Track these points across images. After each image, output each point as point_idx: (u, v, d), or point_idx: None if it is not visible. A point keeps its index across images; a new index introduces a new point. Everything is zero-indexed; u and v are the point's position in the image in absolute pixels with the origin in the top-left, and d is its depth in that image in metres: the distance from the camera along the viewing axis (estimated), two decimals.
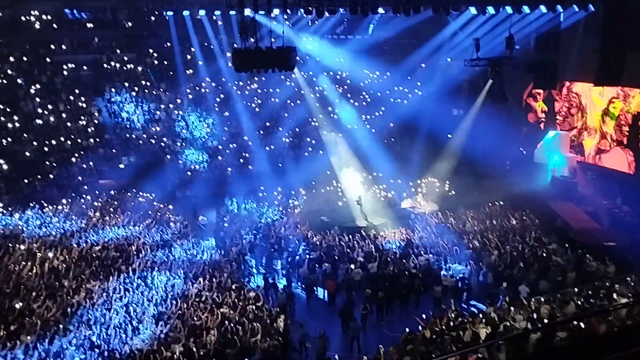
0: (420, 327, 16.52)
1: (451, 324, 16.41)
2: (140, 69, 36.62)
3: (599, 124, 29.17)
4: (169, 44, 36.70)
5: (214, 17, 32.26)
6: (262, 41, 19.86)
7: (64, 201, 27.01)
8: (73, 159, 30.33)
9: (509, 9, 23.12)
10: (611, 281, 19.31)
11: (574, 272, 20.62)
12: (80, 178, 29.70)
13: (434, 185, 30.28)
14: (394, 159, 31.77)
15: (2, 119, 30.54)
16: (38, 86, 32.92)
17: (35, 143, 30.32)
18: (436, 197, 29.53)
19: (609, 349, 5.80)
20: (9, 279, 18.98)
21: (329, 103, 36.26)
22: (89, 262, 20.69)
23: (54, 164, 29.88)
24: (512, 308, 16.88)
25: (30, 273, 19.47)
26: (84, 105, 33.56)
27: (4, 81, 32.48)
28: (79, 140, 31.64)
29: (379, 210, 28.06)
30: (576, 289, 18.74)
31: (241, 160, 33.25)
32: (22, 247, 21.53)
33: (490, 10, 23.15)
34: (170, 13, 33.16)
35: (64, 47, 36.50)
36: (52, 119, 31.90)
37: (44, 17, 35.19)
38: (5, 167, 28.70)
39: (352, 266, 21.66)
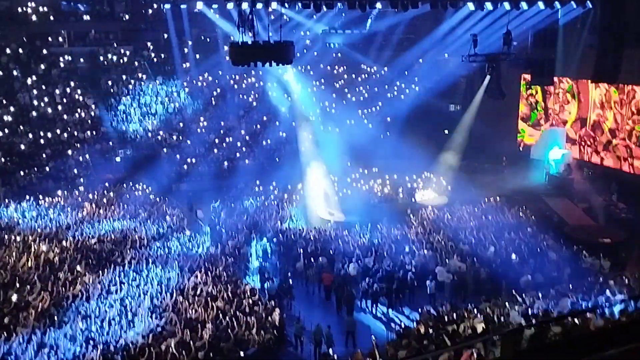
0: (415, 322, 16.55)
1: (446, 319, 16.45)
2: (137, 62, 36.49)
3: (597, 120, 29.22)
4: (166, 36, 36.59)
5: (212, 10, 32.12)
6: (260, 35, 19.75)
7: (59, 193, 26.94)
8: (69, 152, 30.24)
9: (506, 5, 23.06)
10: (606, 277, 19.39)
11: (569, 268, 20.67)
12: (76, 170, 29.62)
13: (431, 180, 30.30)
14: (391, 154, 31.73)
15: None
16: (34, 78, 32.79)
17: (31, 135, 30.21)
18: (437, 192, 29.55)
19: (603, 345, 5.79)
20: (4, 270, 18.95)
21: (319, 101, 36.23)
22: (84, 255, 20.66)
23: (50, 156, 29.79)
24: (507, 303, 16.94)
25: (25, 265, 19.43)
26: (80, 97, 33.46)
27: (0, 73, 32.35)
28: (75, 133, 31.55)
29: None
30: (571, 285, 18.84)
31: (237, 154, 33.18)
32: (18, 239, 21.48)
33: (488, 6, 23.07)
34: (167, 6, 33.03)
35: (60, 39, 36.35)
36: (48, 110, 31.81)
37: (40, 8, 35.01)
38: (1, 159, 28.60)
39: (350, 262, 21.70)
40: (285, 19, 29.33)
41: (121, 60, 36.30)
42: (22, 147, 29.63)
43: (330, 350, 16.07)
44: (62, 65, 34.58)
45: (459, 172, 30.54)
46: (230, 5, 22.67)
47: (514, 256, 21.39)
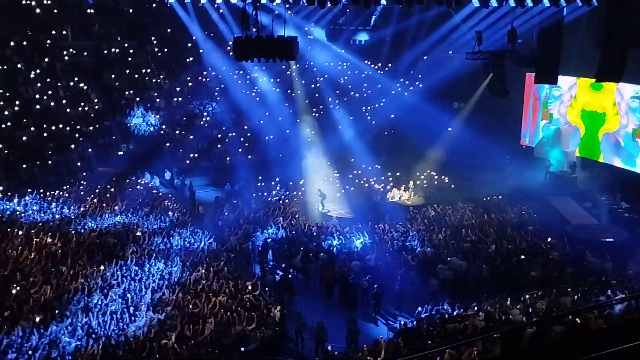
0: (416, 320, 16.56)
1: (447, 316, 16.47)
2: (141, 56, 36.45)
3: (601, 119, 29.13)
4: (169, 31, 36.52)
5: (216, 5, 32.07)
6: (264, 30, 19.75)
7: (62, 187, 26.99)
8: (72, 145, 30.28)
9: (512, 2, 22.98)
10: (608, 277, 19.39)
11: (571, 267, 20.66)
12: (78, 164, 29.66)
13: (432, 177, 30.30)
14: (394, 151, 31.74)
15: (1, 103, 30.46)
16: (38, 71, 32.78)
17: (33, 129, 30.23)
18: (434, 190, 29.53)
19: (605, 344, 5.80)
20: (7, 264, 18.99)
21: (322, 98, 36.14)
22: (86, 249, 20.71)
23: (53, 150, 29.84)
24: (508, 302, 16.95)
25: (27, 258, 19.47)
26: (84, 91, 33.46)
27: (4, 66, 32.35)
28: (78, 127, 31.57)
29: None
30: (570, 286, 18.84)
31: (240, 150, 33.17)
32: (20, 232, 21.52)
33: (494, 3, 22.99)
34: (172, 0, 32.94)
35: (64, 32, 36.30)
36: (52, 104, 31.82)
37: (44, 2, 34.95)
38: (4, 152, 28.66)
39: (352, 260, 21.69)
40: (289, 14, 29.35)
41: (125, 55, 36.25)
42: (25, 140, 29.66)
43: (330, 347, 16.10)
44: (66, 58, 34.56)
45: (459, 169, 30.47)
46: (234, 0, 22.63)
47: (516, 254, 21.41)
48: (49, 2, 35.09)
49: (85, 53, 35.69)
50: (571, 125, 30.82)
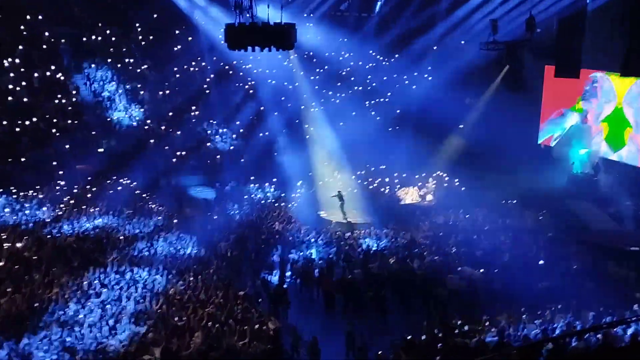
0: (423, 332, 16.55)
1: (456, 330, 16.45)
2: (124, 44, 36.40)
3: (628, 117, 29.12)
4: (155, 16, 36.46)
5: None
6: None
7: (37, 186, 26.97)
8: (48, 141, 30.21)
9: None
10: (633, 289, 19.39)
11: (592, 278, 20.63)
12: (55, 162, 29.60)
13: (442, 179, 30.32)
14: (399, 150, 31.73)
15: None
16: (11, 60, 32.69)
17: (5, 122, 30.16)
18: (444, 192, 29.56)
19: None
20: None
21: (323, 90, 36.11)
22: (62, 254, 20.69)
23: (28, 146, 29.76)
24: (523, 316, 16.95)
25: None
26: (61, 83, 33.39)
27: None
28: (55, 121, 31.51)
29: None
30: (594, 297, 18.81)
31: (232, 148, 33.14)
32: None
33: None
34: None
35: (40, 17, 36.21)
36: (26, 96, 31.73)
37: None
38: None
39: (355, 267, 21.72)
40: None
41: (107, 43, 36.18)
42: None
43: None
44: (44, 47, 34.47)
45: (471, 171, 30.49)
46: None
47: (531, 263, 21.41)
48: None
49: (63, 40, 35.61)
50: (596, 123, 30.78)
